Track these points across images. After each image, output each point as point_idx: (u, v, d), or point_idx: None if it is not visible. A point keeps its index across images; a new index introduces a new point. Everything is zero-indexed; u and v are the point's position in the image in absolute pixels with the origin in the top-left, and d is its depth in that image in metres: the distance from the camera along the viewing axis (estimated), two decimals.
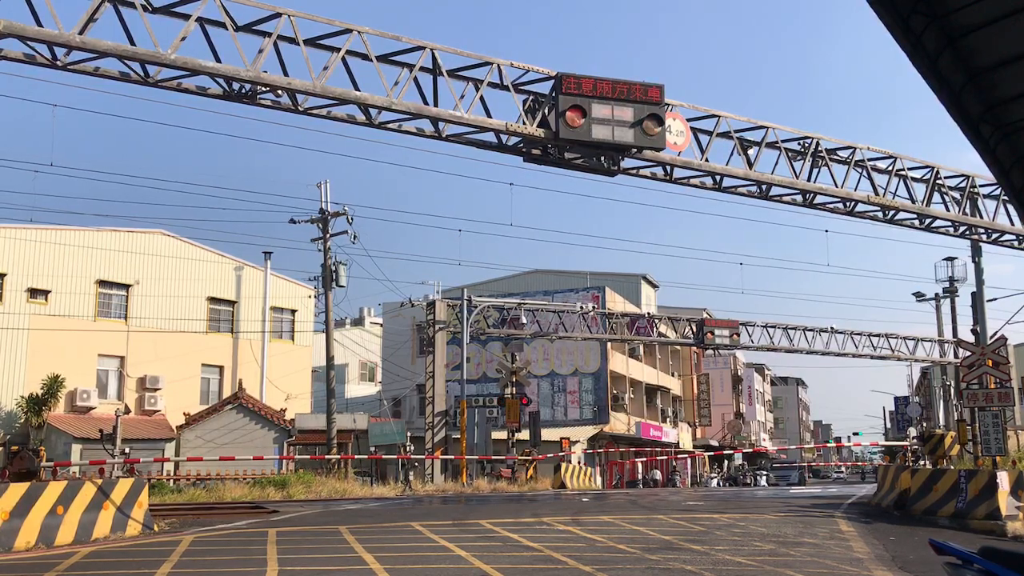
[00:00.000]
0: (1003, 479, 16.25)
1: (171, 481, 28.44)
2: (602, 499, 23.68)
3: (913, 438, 28.19)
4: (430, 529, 14.40)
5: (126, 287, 36.51)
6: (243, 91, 16.61)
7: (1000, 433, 17.61)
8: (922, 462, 21.78)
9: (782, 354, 51.81)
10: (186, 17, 15.80)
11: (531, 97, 18.59)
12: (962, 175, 24.04)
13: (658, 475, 47.83)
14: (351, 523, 15.51)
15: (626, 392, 51.90)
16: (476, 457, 35.07)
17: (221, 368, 39.40)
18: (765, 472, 57.52)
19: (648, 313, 47.44)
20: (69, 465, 18.38)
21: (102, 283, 35.88)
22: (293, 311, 42.67)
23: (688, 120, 19.75)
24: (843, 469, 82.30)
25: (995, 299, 37.41)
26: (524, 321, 38.03)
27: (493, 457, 35.94)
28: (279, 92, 16.75)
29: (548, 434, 39.63)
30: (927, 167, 23.63)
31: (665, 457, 52.83)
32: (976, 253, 31.07)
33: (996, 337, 25.68)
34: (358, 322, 65.49)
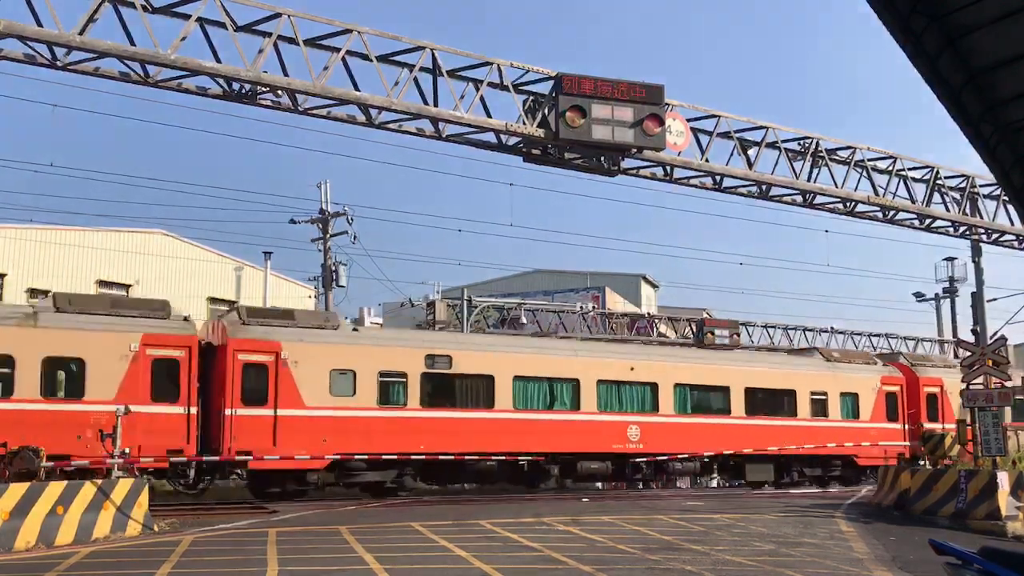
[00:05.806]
0: (1003, 479, 16.26)
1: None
2: (602, 499, 23.68)
3: None
4: (430, 530, 14.39)
5: (126, 287, 36.47)
6: (243, 91, 16.62)
7: (1000, 433, 17.61)
8: (922, 462, 21.78)
9: None
10: (186, 17, 15.80)
11: (531, 97, 18.59)
12: (962, 175, 24.04)
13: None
14: (351, 523, 15.48)
15: None
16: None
17: None
18: None
19: (648, 313, 47.44)
20: (69, 465, 18.39)
21: (102, 283, 35.85)
22: None
23: (688, 120, 19.75)
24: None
25: (995, 299, 37.24)
26: (524, 321, 38.00)
27: None
28: (279, 92, 16.76)
29: None
30: (927, 167, 23.64)
31: None
32: (976, 253, 31.03)
33: (996, 337, 25.67)
34: (358, 322, 65.38)
